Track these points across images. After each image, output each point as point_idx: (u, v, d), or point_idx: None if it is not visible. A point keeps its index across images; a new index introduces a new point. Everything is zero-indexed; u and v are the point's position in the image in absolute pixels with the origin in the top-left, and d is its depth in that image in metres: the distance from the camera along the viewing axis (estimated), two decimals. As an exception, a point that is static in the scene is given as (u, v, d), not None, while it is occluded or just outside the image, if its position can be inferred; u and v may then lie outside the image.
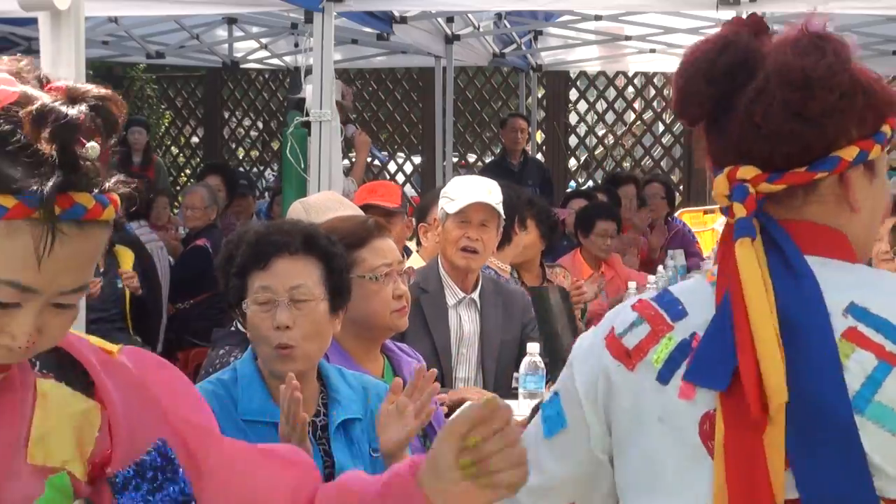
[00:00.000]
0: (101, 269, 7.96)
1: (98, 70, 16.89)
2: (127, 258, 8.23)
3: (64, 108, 1.65)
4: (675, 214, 11.09)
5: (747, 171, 2.01)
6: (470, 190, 5.59)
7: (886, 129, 2.04)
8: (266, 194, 15.42)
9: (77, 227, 1.68)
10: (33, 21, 4.89)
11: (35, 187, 1.63)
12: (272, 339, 3.43)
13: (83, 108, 1.67)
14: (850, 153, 2.00)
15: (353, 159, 10.58)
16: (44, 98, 1.67)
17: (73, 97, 1.69)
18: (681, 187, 13.92)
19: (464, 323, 5.53)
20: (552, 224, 7.36)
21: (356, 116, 14.40)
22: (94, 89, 1.71)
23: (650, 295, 2.16)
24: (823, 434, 1.89)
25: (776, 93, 1.98)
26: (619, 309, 2.18)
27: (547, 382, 4.08)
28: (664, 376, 2.03)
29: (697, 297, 2.09)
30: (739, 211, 2.00)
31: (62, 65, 4.70)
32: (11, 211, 1.63)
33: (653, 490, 2.05)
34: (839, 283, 1.98)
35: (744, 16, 2.12)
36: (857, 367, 1.91)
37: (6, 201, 1.63)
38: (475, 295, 5.58)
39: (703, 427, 1.98)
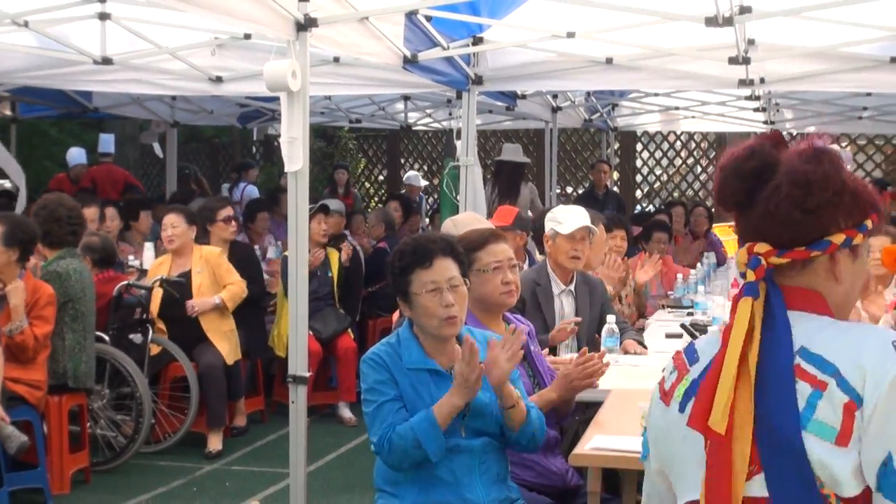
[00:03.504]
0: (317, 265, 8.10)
1: (317, 131, 17.12)
2: (334, 256, 8.42)
3: None
4: (711, 229, 10.95)
5: (762, 247, 1.91)
6: (575, 217, 5.65)
7: (868, 222, 1.94)
8: (428, 214, 15.49)
9: None
10: (276, 98, 4.97)
11: None
12: (441, 314, 3.47)
13: None
14: (839, 238, 1.90)
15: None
16: None
17: None
18: (713, 210, 13.68)
19: (564, 306, 5.56)
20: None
21: (490, 162, 14.35)
22: None
23: (684, 347, 2.07)
24: (778, 445, 1.81)
25: (785, 189, 1.88)
26: (668, 361, 2.08)
27: None
28: (682, 406, 1.95)
29: (710, 346, 1.98)
30: (751, 276, 1.91)
31: (294, 126, 4.77)
32: None
33: (686, 487, 1.96)
34: (805, 331, 1.88)
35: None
36: (799, 395, 1.81)
37: None
38: (572, 287, 5.59)
39: (706, 442, 1.91)
